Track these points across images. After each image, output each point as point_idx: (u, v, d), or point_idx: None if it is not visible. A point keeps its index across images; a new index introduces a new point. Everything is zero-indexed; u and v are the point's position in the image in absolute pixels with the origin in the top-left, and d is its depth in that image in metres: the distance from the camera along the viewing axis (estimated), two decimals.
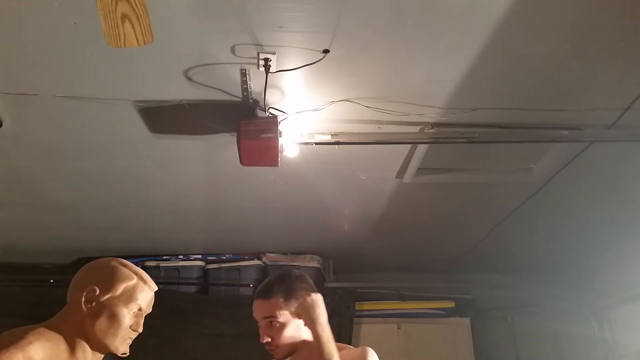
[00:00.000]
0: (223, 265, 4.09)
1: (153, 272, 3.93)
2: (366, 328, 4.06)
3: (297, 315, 1.64)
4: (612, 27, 1.89)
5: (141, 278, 1.49)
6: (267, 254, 4.14)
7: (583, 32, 1.91)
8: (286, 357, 1.65)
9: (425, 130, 2.47)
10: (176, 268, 4.03)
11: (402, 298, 4.22)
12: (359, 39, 1.93)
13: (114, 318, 1.41)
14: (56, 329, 1.38)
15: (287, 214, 3.48)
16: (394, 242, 4.00)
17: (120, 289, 1.43)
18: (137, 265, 1.54)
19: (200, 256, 4.12)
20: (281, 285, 1.67)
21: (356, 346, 4.18)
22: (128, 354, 1.46)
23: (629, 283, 3.97)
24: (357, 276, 4.36)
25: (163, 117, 2.40)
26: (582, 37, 1.93)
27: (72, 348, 1.38)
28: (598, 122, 2.46)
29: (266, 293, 1.66)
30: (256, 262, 4.07)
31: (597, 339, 4.21)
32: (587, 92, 2.27)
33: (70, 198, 3.17)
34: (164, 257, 4.07)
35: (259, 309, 1.66)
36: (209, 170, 2.89)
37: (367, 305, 4.14)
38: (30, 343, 1.28)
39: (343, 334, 3.90)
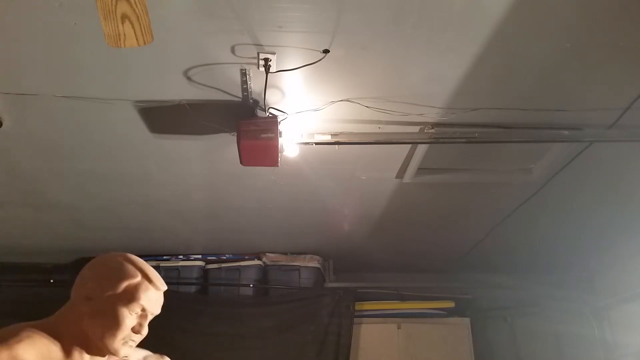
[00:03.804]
0: (223, 265, 4.10)
1: None
2: (366, 328, 4.06)
3: None
4: (612, 27, 1.89)
5: (146, 276, 1.37)
6: (267, 254, 4.14)
7: (583, 32, 1.91)
8: None
9: (425, 130, 2.47)
10: (176, 268, 4.03)
11: (402, 298, 4.22)
12: (359, 39, 1.93)
13: (113, 318, 1.31)
14: (54, 326, 1.32)
15: (287, 214, 3.48)
16: (394, 242, 4.00)
17: (122, 287, 1.33)
18: None
19: (200, 256, 4.12)
20: None
21: (356, 346, 4.19)
22: (129, 358, 1.38)
23: (629, 283, 3.97)
24: (357, 276, 4.36)
25: (163, 117, 2.40)
26: (582, 37, 1.93)
27: (67, 348, 1.31)
28: (598, 122, 2.46)
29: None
30: (256, 262, 4.07)
31: (597, 339, 4.21)
32: (587, 92, 2.27)
33: (70, 198, 3.17)
34: (164, 257, 4.08)
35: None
36: (209, 170, 2.89)
37: (367, 305, 4.14)
38: (20, 342, 1.22)
39: (343, 334, 3.90)
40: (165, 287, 1.42)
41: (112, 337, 1.31)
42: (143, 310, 1.35)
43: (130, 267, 1.37)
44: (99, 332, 1.31)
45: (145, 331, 1.37)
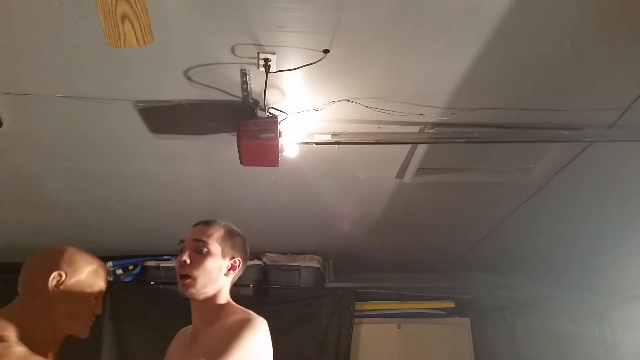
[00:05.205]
0: None
1: (153, 272, 3.93)
2: (366, 328, 4.06)
3: (224, 259, 1.64)
4: (612, 27, 1.89)
5: (99, 262, 1.55)
6: (267, 254, 4.14)
7: (583, 32, 1.91)
8: (193, 295, 1.64)
9: (425, 130, 2.47)
10: None
11: (402, 298, 4.22)
12: (359, 39, 1.93)
13: (81, 301, 1.44)
14: (15, 319, 1.37)
15: (287, 214, 3.48)
16: (394, 242, 4.00)
17: (85, 272, 1.48)
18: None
19: None
20: (228, 226, 1.70)
21: (356, 346, 4.15)
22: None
23: (629, 283, 3.97)
24: (357, 276, 4.37)
25: (163, 117, 2.40)
26: (582, 37, 1.93)
27: (32, 340, 1.34)
28: (598, 122, 2.46)
29: (210, 221, 1.68)
30: (256, 262, 4.06)
31: (597, 339, 4.21)
32: (587, 92, 2.27)
33: (70, 198, 3.17)
34: (164, 257, 4.07)
35: (194, 231, 1.67)
36: (209, 170, 2.89)
37: (367, 305, 4.14)
38: None
39: (343, 334, 3.90)
40: (107, 267, 1.61)
41: (81, 318, 1.45)
42: (100, 291, 1.51)
43: (86, 255, 1.54)
44: (69, 315, 1.42)
45: (100, 311, 1.51)
